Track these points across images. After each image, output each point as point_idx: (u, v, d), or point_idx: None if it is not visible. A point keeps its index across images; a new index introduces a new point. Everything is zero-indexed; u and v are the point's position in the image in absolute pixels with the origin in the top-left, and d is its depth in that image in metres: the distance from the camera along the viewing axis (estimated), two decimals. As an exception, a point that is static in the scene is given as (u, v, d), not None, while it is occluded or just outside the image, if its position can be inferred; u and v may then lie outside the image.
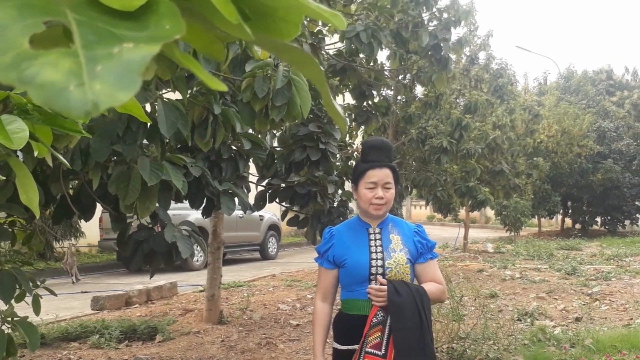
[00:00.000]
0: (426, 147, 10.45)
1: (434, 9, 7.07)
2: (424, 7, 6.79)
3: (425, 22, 7.03)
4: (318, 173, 5.05)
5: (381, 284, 2.52)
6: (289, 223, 5.62)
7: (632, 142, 24.60)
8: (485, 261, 13.70)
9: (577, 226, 26.46)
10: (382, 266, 2.56)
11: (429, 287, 2.60)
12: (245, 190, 4.58)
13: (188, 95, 3.23)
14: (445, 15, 7.55)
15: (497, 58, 15.80)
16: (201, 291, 8.94)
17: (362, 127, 7.60)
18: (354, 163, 7.65)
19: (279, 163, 4.98)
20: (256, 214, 15.70)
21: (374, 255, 2.59)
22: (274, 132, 5.50)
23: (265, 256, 16.10)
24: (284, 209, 6.11)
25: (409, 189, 12.43)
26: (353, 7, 7.30)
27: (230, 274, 11.04)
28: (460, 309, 6.63)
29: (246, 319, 7.36)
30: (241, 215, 15.01)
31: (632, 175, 24.11)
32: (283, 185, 5.33)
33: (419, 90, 11.48)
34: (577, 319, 7.30)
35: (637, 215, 25.42)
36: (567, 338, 6.16)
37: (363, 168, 2.65)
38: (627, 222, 25.64)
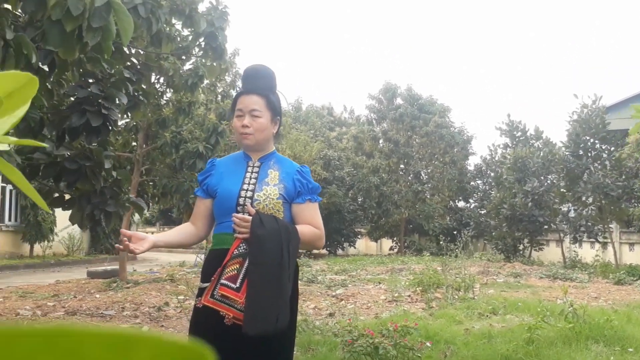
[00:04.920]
0: (181, 152, 10.19)
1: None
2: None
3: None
4: (94, 145, 4.54)
5: (249, 214, 2.34)
6: (52, 204, 4.95)
7: (352, 171, 27.09)
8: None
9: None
10: (251, 197, 2.40)
11: (303, 228, 2.43)
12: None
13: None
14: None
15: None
16: None
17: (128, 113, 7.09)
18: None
19: (49, 129, 4.37)
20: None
21: (245, 187, 2.43)
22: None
23: (-24, 279, 14.08)
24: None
25: (157, 198, 11.94)
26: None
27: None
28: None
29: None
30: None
31: (351, 201, 26.50)
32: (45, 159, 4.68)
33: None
34: (331, 314, 7.69)
35: (355, 238, 27.94)
36: (329, 328, 6.42)
37: (235, 97, 2.53)
38: (346, 245, 28.02)
